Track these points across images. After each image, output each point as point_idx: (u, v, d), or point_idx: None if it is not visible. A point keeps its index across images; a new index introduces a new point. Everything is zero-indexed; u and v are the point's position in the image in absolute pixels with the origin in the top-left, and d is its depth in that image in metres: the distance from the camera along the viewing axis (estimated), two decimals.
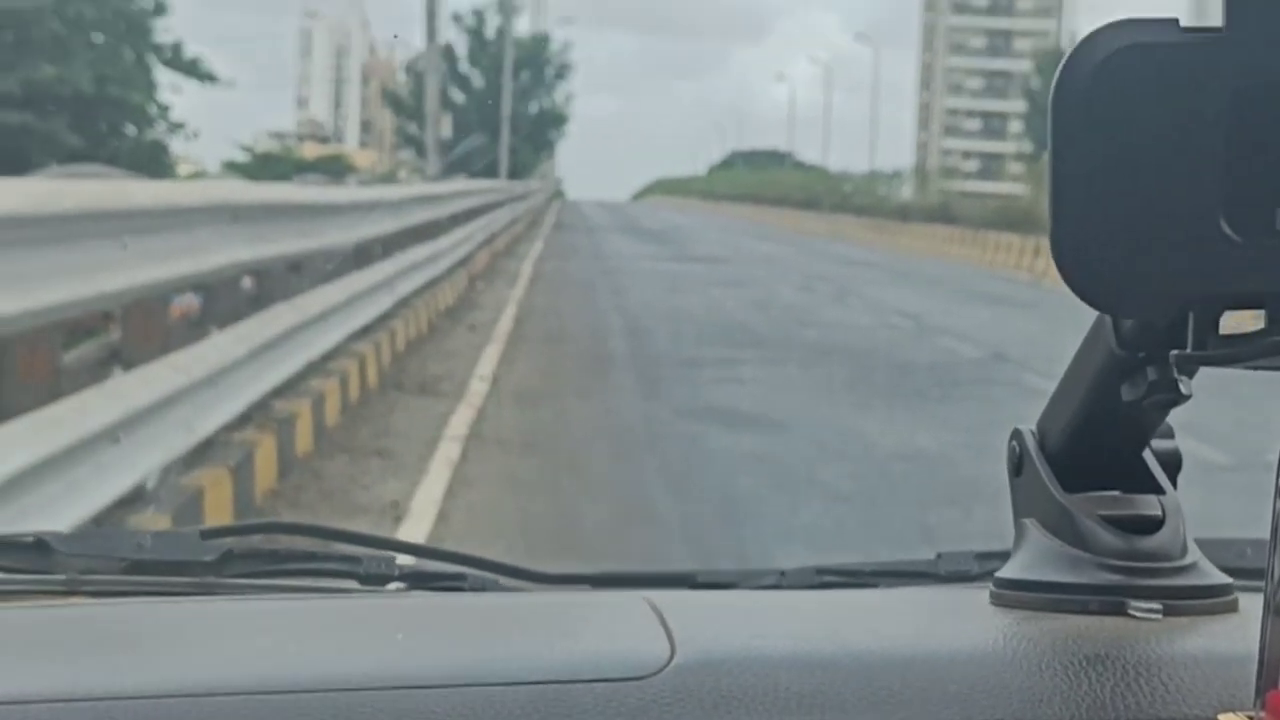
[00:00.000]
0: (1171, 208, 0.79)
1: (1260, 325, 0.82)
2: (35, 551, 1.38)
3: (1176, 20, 0.81)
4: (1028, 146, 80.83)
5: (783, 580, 1.39)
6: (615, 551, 7.43)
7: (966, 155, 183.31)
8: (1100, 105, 0.79)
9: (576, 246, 40.44)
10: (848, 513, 8.47)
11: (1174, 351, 0.85)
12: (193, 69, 50.37)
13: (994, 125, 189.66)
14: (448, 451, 9.88)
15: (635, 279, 27.59)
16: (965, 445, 10.65)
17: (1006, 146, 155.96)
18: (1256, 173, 0.79)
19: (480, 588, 1.40)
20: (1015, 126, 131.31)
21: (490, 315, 19.14)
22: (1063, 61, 0.80)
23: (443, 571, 1.44)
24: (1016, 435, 1.10)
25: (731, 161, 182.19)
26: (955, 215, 48.19)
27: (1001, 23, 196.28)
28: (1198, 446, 9.07)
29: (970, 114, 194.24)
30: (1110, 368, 0.97)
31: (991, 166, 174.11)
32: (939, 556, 1.35)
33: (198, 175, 39.05)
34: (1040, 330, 18.53)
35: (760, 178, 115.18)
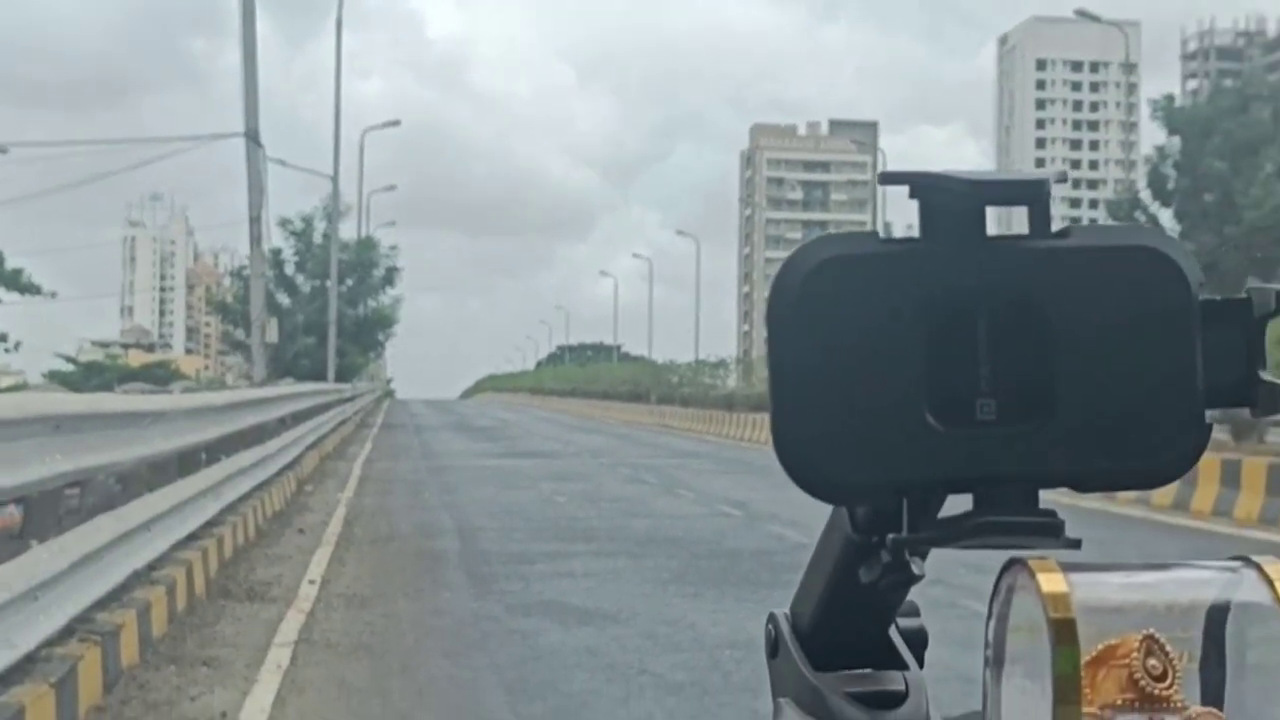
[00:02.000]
0: (880, 404, 0.85)
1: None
2: None
3: (876, 233, 0.89)
4: None
5: None
6: None
7: None
8: (809, 312, 0.86)
9: (406, 446, 40.25)
10: (680, 704, 8.50)
11: (890, 535, 0.90)
12: (14, 281, 49.73)
13: None
14: (277, 657, 9.76)
15: (465, 476, 27.53)
16: None
17: None
18: (955, 368, 0.86)
19: None
20: None
21: (319, 518, 18.97)
22: (776, 274, 0.87)
23: None
24: (772, 618, 1.12)
25: (559, 356, 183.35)
26: None
27: (816, 216, 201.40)
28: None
29: None
30: (849, 551, 1.00)
31: None
32: None
33: (19, 386, 38.38)
34: None
35: (587, 371, 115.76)
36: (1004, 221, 0.91)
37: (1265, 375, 0.88)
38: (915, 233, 0.87)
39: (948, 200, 0.86)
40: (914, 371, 0.86)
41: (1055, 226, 0.89)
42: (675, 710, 8.34)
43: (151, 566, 10.85)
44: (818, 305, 0.86)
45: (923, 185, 0.87)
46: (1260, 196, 52.57)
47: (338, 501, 21.48)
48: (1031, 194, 0.87)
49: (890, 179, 0.88)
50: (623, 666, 9.52)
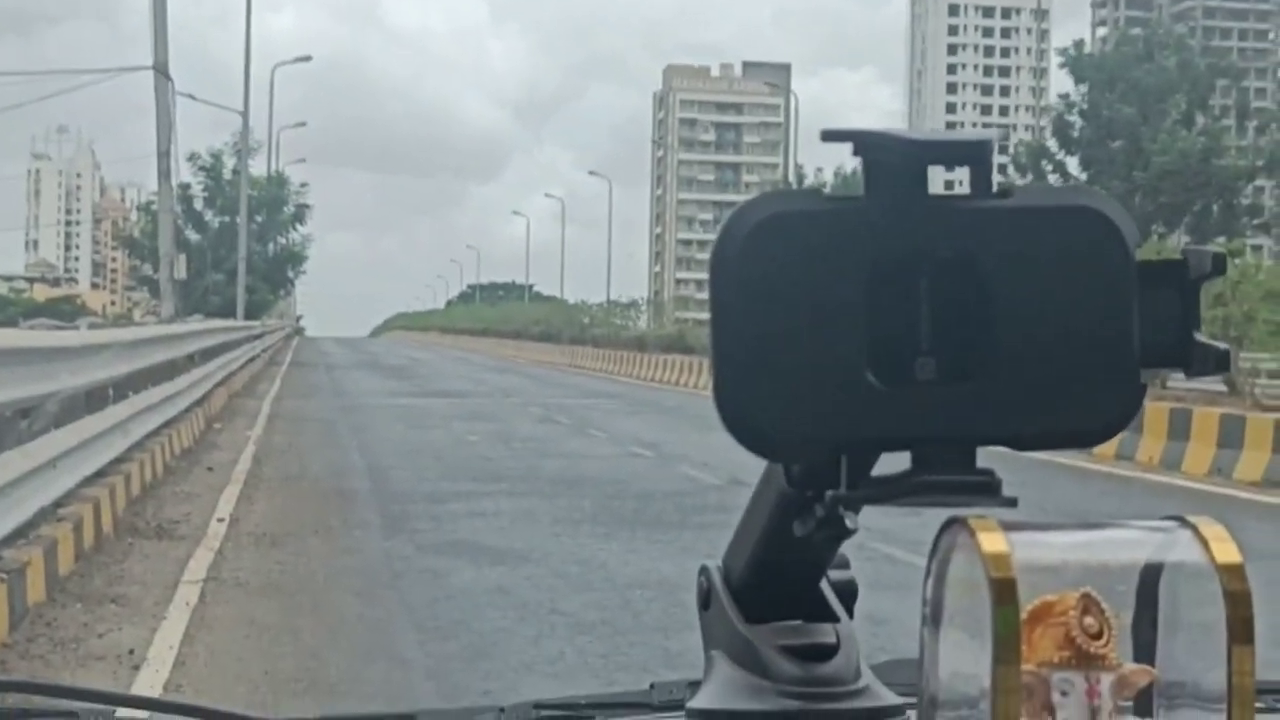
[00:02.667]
0: (820, 361, 0.85)
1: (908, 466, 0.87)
2: None
3: (820, 191, 0.89)
4: None
5: (502, 717, 1.35)
6: (357, 693, 7.38)
7: (700, 285, 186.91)
8: (751, 268, 0.85)
9: (316, 384, 40.00)
10: (591, 643, 8.54)
11: (830, 492, 0.91)
12: None
13: None
14: (186, 595, 9.70)
15: (376, 415, 27.40)
16: None
17: None
18: (895, 327, 0.86)
19: None
20: None
21: (229, 456, 18.83)
22: (719, 229, 0.86)
23: None
24: (704, 571, 1.13)
25: (470, 295, 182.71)
26: (690, 344, 48.96)
27: (729, 157, 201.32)
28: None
29: (702, 245, 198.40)
30: (783, 505, 1.01)
31: None
32: (652, 686, 1.33)
33: None
34: None
35: (499, 311, 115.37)
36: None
37: (1199, 336, 0.88)
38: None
39: (891, 159, 0.86)
40: (855, 329, 0.85)
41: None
42: (586, 649, 8.38)
43: (59, 504, 10.75)
44: (761, 261, 0.85)
45: (867, 144, 0.86)
46: (1167, 142, 53.18)
47: (247, 439, 21.33)
48: (974, 154, 0.86)
49: (833, 136, 0.87)
50: (534, 606, 9.54)
